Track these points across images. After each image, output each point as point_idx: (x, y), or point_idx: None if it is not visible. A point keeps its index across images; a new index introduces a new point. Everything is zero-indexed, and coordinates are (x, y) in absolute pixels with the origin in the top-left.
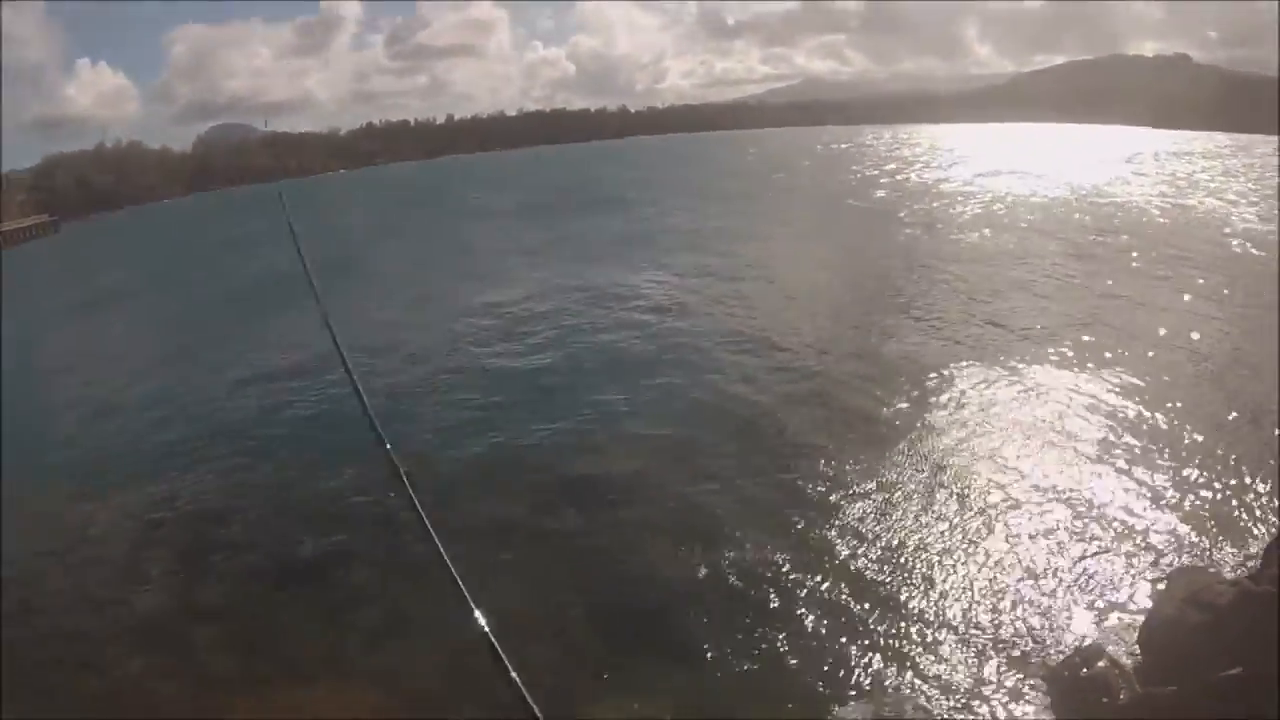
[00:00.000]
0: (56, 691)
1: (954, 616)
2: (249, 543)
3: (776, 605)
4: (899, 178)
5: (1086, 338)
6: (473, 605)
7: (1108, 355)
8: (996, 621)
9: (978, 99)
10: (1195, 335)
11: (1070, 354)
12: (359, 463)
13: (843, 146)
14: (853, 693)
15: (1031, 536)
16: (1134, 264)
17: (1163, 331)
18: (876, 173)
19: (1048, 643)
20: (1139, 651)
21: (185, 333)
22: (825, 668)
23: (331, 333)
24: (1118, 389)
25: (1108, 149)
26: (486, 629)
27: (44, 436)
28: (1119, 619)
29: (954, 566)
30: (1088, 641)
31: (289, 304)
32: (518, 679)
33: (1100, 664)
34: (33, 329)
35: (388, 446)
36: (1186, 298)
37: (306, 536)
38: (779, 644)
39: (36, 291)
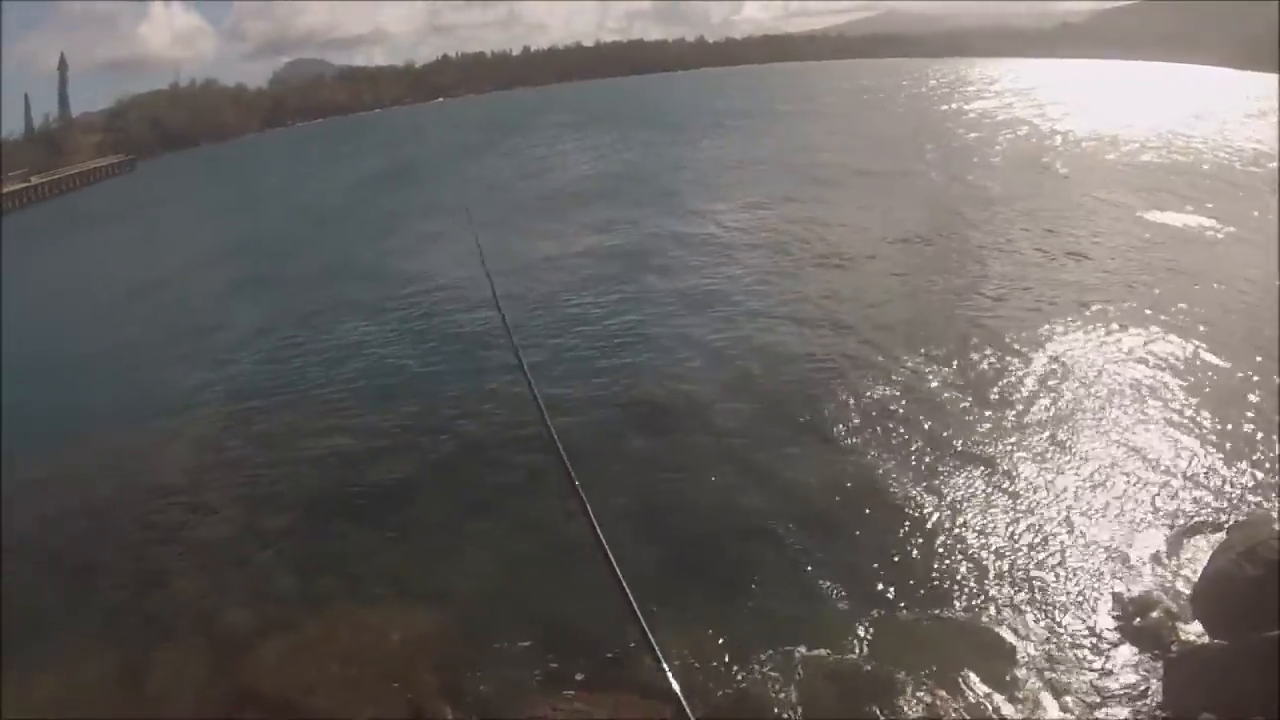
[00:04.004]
0: (120, 610)
1: (1009, 558)
2: (317, 470)
3: (838, 535)
4: (980, 115)
5: (1158, 290)
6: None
7: (1179, 310)
8: (1052, 567)
9: (1059, 35)
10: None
11: (1139, 307)
12: (431, 389)
13: (922, 80)
14: (899, 620)
15: (1091, 484)
16: (1214, 213)
17: (1238, 285)
18: (956, 109)
19: (1103, 590)
20: (1193, 603)
21: (259, 261)
22: (877, 598)
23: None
24: (1186, 343)
25: (1189, 90)
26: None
27: (110, 369)
28: (1176, 570)
29: (1013, 510)
30: (1143, 590)
31: (375, 232)
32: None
33: (1154, 614)
34: (100, 263)
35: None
36: (1269, 245)
37: (377, 462)
38: (842, 569)
39: (107, 227)
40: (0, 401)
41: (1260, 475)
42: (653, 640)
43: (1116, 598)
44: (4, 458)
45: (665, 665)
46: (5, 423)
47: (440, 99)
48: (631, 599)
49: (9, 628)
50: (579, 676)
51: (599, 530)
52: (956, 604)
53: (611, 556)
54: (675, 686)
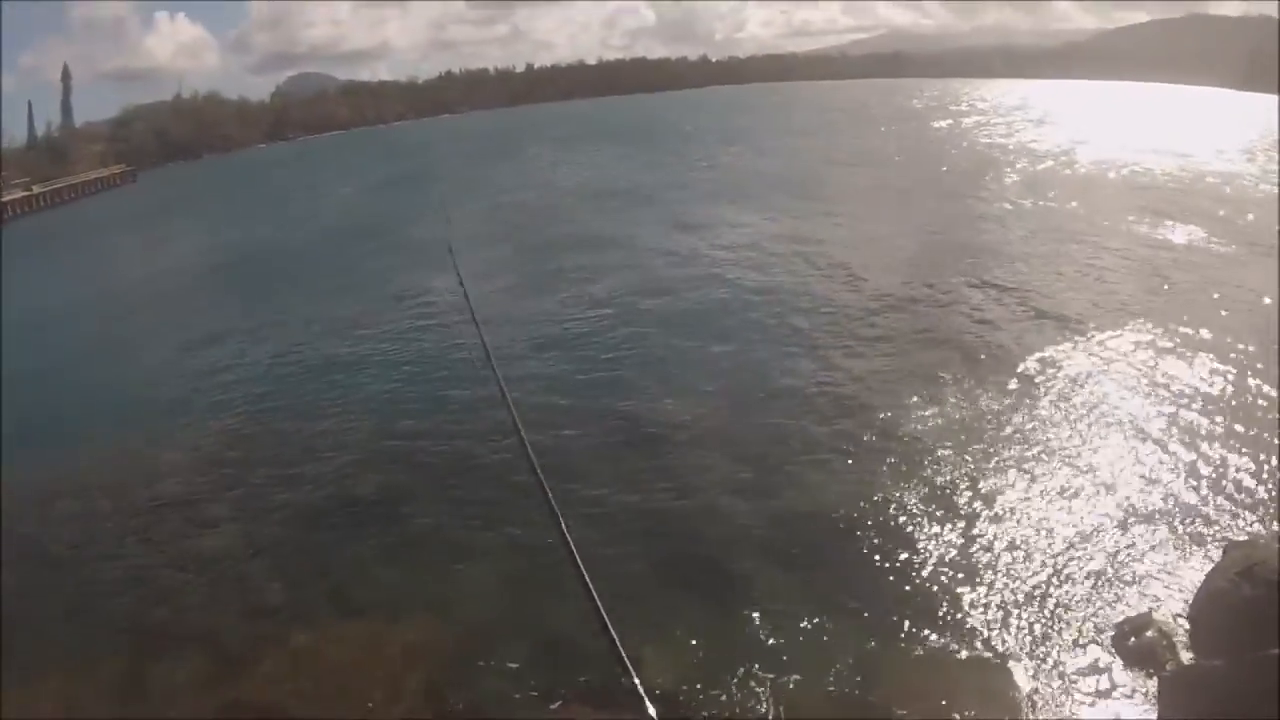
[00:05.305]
0: (119, 622)
1: (1003, 580)
2: (310, 484)
3: (833, 555)
4: (979, 136)
5: (1156, 311)
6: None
7: (1175, 333)
8: (1048, 587)
9: (1060, 55)
10: (1270, 314)
11: (1138, 327)
12: (424, 406)
13: (923, 101)
14: (897, 642)
15: (1089, 506)
16: (1213, 237)
17: (1234, 308)
18: (955, 130)
19: (1098, 611)
20: (1189, 623)
21: (253, 273)
22: (866, 623)
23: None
24: (1181, 364)
25: (1192, 111)
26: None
27: (111, 379)
28: (1171, 589)
29: (1010, 530)
30: (1138, 611)
31: (368, 249)
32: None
33: (1149, 634)
34: (103, 273)
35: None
36: (1268, 264)
37: (368, 477)
38: (833, 590)
39: (109, 238)
40: (0, 411)
41: (1257, 494)
42: (624, 655)
43: (1112, 617)
44: (4, 467)
45: (637, 681)
46: (5, 431)
47: (444, 115)
48: (604, 614)
49: (8, 635)
50: (563, 691)
51: (573, 546)
52: (949, 627)
53: (585, 570)
54: (650, 708)
